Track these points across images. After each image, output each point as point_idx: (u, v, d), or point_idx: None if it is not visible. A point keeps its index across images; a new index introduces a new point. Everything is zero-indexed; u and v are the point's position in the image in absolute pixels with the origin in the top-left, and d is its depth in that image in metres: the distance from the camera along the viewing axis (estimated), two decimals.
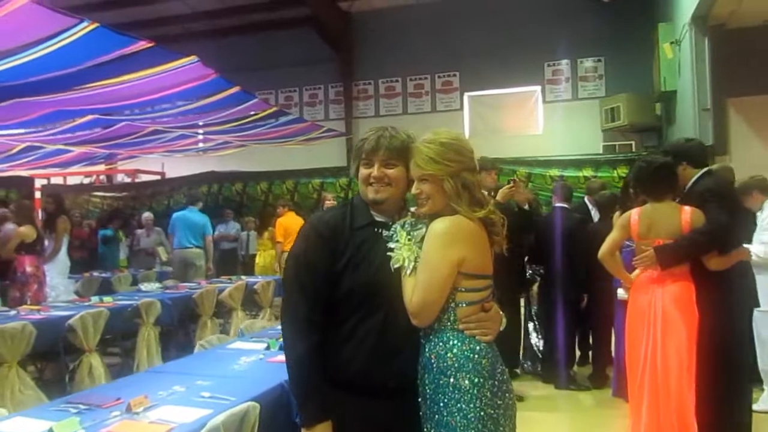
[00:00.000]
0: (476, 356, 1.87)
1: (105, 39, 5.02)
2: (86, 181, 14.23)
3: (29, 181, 11.84)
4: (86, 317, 4.79)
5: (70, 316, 4.74)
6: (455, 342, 1.88)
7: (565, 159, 9.86)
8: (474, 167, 1.97)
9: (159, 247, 9.70)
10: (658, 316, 3.38)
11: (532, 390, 5.26)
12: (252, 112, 8.74)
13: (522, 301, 5.74)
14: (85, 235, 10.11)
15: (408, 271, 1.89)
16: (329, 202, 7.84)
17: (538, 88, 12.45)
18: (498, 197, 4.65)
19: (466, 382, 1.85)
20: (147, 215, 10.05)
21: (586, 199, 5.96)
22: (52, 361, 4.94)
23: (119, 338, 5.54)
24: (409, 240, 1.92)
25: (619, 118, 10.91)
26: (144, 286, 6.62)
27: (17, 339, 4.26)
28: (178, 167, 13.47)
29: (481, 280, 1.93)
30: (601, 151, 11.01)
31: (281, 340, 2.46)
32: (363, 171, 2.00)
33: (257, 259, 10.06)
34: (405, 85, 13.25)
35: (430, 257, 1.86)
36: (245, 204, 11.71)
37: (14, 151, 9.38)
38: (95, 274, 8.41)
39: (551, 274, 5.29)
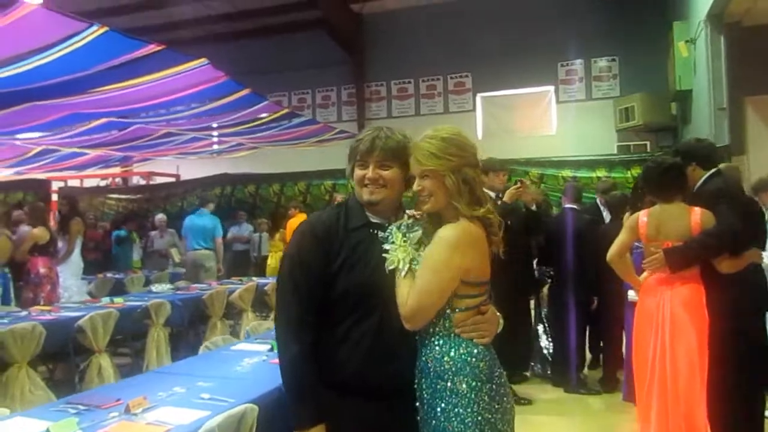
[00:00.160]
0: (474, 360, 1.85)
1: (115, 42, 5.08)
2: (102, 183, 14.38)
3: (46, 183, 12.00)
4: (96, 318, 4.82)
5: (80, 317, 4.77)
6: (452, 346, 1.87)
7: (578, 159, 9.77)
8: (476, 163, 1.94)
9: (172, 249, 9.76)
10: (666, 320, 3.32)
11: (541, 393, 5.20)
12: (264, 114, 8.79)
13: (532, 303, 5.68)
14: (100, 236, 10.20)
15: (402, 273, 1.86)
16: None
17: (552, 88, 12.37)
18: (505, 198, 4.63)
19: (464, 386, 1.83)
20: (160, 217, 10.13)
21: (597, 200, 5.90)
22: (62, 362, 4.98)
23: (129, 339, 5.58)
24: (405, 242, 1.89)
25: (633, 118, 10.80)
26: (155, 287, 6.65)
27: (27, 339, 4.29)
28: (192, 169, 13.58)
29: (480, 287, 1.92)
30: (615, 152, 10.89)
31: None
32: (358, 172, 1.98)
33: (269, 261, 10.10)
34: (417, 86, 13.23)
35: (434, 262, 1.83)
36: (258, 206, 11.75)
37: (30, 154, 9.52)
38: (108, 275, 8.48)
39: (560, 275, 5.23)
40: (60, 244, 6.84)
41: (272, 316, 7.12)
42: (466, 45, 12.41)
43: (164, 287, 6.64)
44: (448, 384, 1.84)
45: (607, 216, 5.66)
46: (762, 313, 4.34)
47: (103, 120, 7.71)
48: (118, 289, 7.76)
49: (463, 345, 1.87)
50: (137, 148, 10.13)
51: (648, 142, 10.93)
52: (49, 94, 5.94)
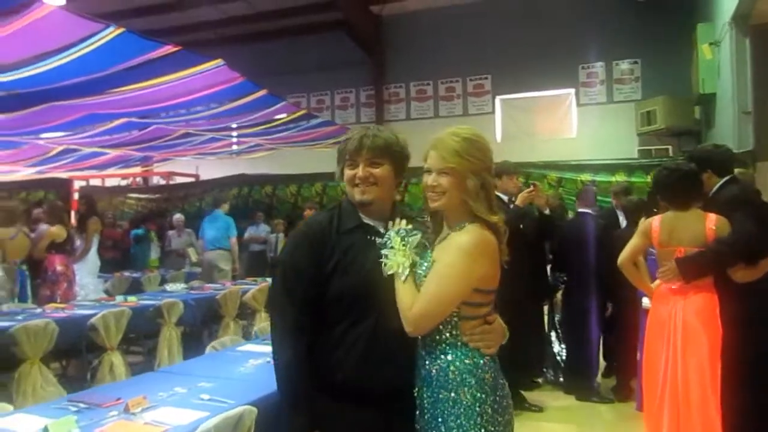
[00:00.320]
0: (479, 371, 1.82)
1: (131, 43, 5.13)
2: (123, 183, 14.57)
3: (67, 182, 12.18)
4: (108, 316, 4.87)
5: (93, 315, 4.82)
6: (458, 355, 1.83)
7: (597, 163, 9.63)
8: (492, 168, 1.92)
9: (189, 249, 9.84)
10: (678, 329, 3.25)
11: (552, 400, 5.12)
12: (282, 115, 8.83)
13: (545, 309, 5.61)
14: (118, 235, 10.31)
15: (403, 278, 1.83)
16: None
17: (572, 90, 12.22)
18: (518, 201, 4.59)
19: (468, 397, 1.79)
20: (178, 217, 10.22)
21: (613, 204, 5.80)
22: (75, 359, 5.04)
23: (142, 337, 5.62)
24: (404, 246, 1.86)
25: (655, 121, 10.62)
26: (169, 287, 6.70)
27: (40, 336, 4.34)
28: (211, 170, 13.69)
29: (489, 295, 1.88)
30: (636, 156, 10.73)
31: None
32: (348, 172, 1.96)
33: None
34: (436, 88, 13.17)
35: (449, 269, 1.78)
36: (275, 206, 11.79)
37: (52, 153, 9.66)
38: (126, 273, 8.57)
39: (573, 281, 5.16)
40: (78, 242, 6.93)
41: None
42: (485, 47, 12.33)
43: (178, 287, 6.69)
44: (452, 395, 1.80)
45: (623, 221, 5.56)
46: None
47: (122, 120, 7.79)
48: (135, 288, 7.84)
49: (470, 355, 1.83)
50: (156, 148, 10.23)
51: (670, 147, 10.74)
52: (67, 94, 6.02)
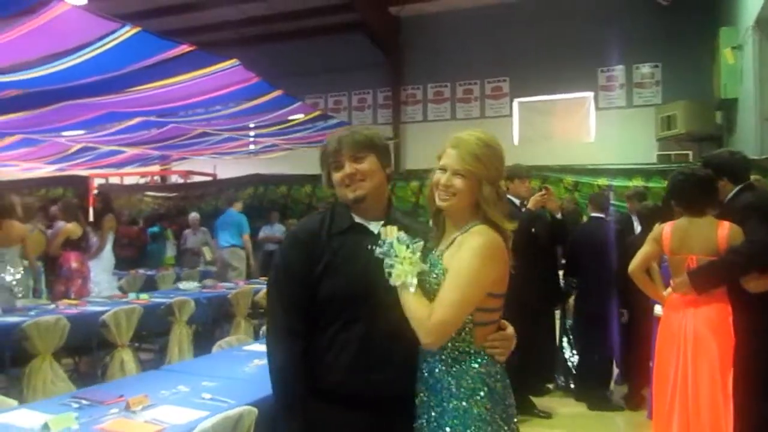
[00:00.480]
0: (491, 380, 1.78)
1: (147, 43, 5.17)
2: (142, 181, 14.71)
3: (85, 180, 12.33)
4: (119, 313, 4.91)
5: (104, 312, 4.86)
6: (471, 364, 1.78)
7: (614, 168, 9.51)
8: (503, 177, 1.90)
9: (204, 247, 9.90)
10: (689, 339, 3.18)
11: (562, 407, 5.05)
12: (298, 116, 8.86)
13: (558, 314, 5.55)
14: (134, 233, 10.40)
15: (412, 289, 1.75)
16: None
17: (591, 94, 12.10)
18: (530, 205, 4.55)
19: (479, 407, 1.75)
20: (193, 215, 10.28)
21: (627, 209, 5.72)
22: (87, 355, 5.08)
23: (153, 335, 5.65)
24: (411, 254, 1.78)
25: (675, 126, 10.48)
26: (182, 285, 6.73)
27: (51, 332, 4.39)
28: (228, 169, 13.77)
29: (500, 299, 1.84)
30: (655, 161, 10.58)
31: None
32: (336, 175, 1.92)
33: None
34: (454, 90, 13.12)
35: (468, 272, 1.72)
36: (289, 206, 11.81)
37: (71, 151, 9.78)
38: (141, 271, 8.64)
39: (585, 286, 5.09)
40: (94, 239, 7.01)
41: None
42: (504, 49, 12.26)
43: (191, 285, 6.72)
44: (463, 404, 1.75)
45: (638, 226, 5.48)
46: None
47: (139, 119, 7.87)
48: (150, 286, 7.91)
49: (483, 363, 1.79)
50: (173, 147, 10.32)
51: (690, 152, 10.57)
52: (84, 93, 6.09)
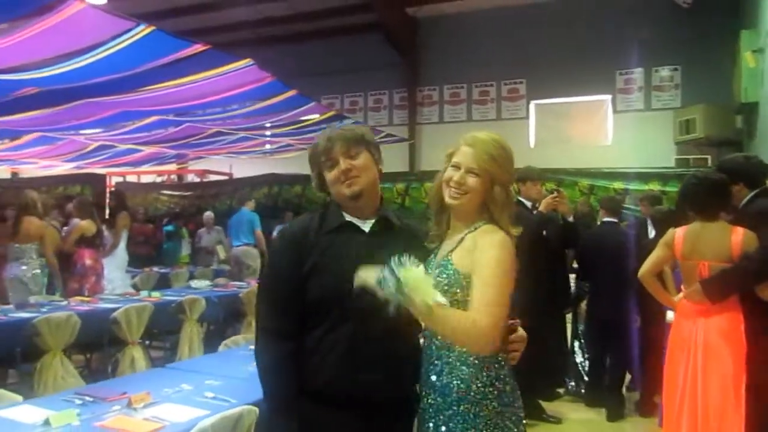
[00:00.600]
0: (501, 384, 1.76)
1: (161, 42, 5.20)
2: (159, 180, 14.84)
3: (102, 178, 12.46)
4: (130, 311, 4.94)
5: (115, 309, 4.90)
6: (482, 367, 1.75)
7: (631, 171, 9.39)
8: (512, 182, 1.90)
9: (218, 246, 9.96)
10: (699, 345, 3.13)
11: (573, 412, 4.99)
12: (312, 116, 8.87)
13: (569, 318, 5.48)
14: (150, 231, 10.49)
15: (444, 301, 1.63)
16: None
17: (609, 97, 11.97)
18: (541, 207, 4.50)
19: (489, 410, 1.73)
20: (208, 214, 10.35)
21: (642, 213, 5.64)
22: (98, 352, 5.12)
23: (164, 333, 5.68)
24: (428, 274, 1.72)
25: (694, 130, 10.32)
26: (194, 283, 6.76)
27: (62, 328, 4.44)
28: (244, 168, 13.84)
29: (511, 299, 1.79)
30: (673, 165, 10.44)
31: None
32: (330, 174, 1.88)
33: None
34: (470, 91, 13.05)
35: (499, 267, 1.69)
36: (304, 206, 11.83)
37: (88, 149, 9.89)
38: (155, 269, 8.70)
39: (596, 291, 5.03)
40: (108, 236, 7.07)
41: None
42: (521, 51, 12.15)
43: (203, 283, 6.75)
44: (474, 408, 1.73)
45: (652, 230, 5.40)
46: None
47: (155, 118, 7.93)
48: (163, 284, 7.95)
49: (495, 366, 1.76)
50: (189, 146, 10.39)
51: (709, 156, 10.41)
52: (99, 91, 6.14)
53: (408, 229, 1.97)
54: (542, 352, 3.76)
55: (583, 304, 5.36)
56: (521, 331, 1.85)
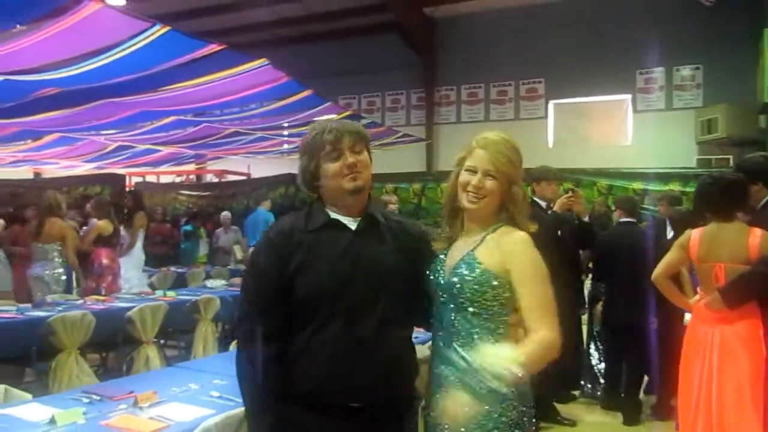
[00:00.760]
0: (520, 383, 1.71)
1: (177, 42, 5.22)
2: (178, 180, 14.96)
3: (121, 178, 12.60)
4: (145, 310, 4.97)
5: (130, 308, 4.94)
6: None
7: (650, 172, 9.25)
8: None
9: (235, 246, 10.00)
10: (715, 348, 3.06)
11: (588, 415, 4.92)
12: (332, 116, 8.87)
13: (584, 319, 5.41)
14: (167, 231, 10.57)
15: (524, 358, 1.57)
16: (392, 205, 7.75)
17: (629, 96, 11.80)
18: (555, 207, 4.45)
19: (512, 411, 1.71)
20: (225, 214, 10.41)
21: (660, 213, 5.54)
22: (113, 350, 5.16)
23: (179, 332, 5.72)
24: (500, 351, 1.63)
25: (716, 130, 10.13)
26: (209, 283, 6.80)
27: (77, 327, 4.47)
28: (262, 169, 13.90)
29: None
30: (694, 165, 10.27)
31: None
32: (333, 165, 1.81)
33: None
34: (488, 91, 12.97)
35: (538, 268, 1.74)
36: None
37: (108, 149, 10.00)
38: (172, 269, 8.76)
39: (611, 292, 4.95)
40: (125, 235, 7.14)
41: None
42: (539, 50, 12.04)
43: (218, 283, 6.78)
44: (495, 408, 1.70)
45: (671, 231, 5.30)
46: None
47: (172, 118, 7.99)
48: (180, 283, 8.00)
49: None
50: (207, 146, 10.46)
51: (731, 157, 10.19)
52: (115, 92, 6.20)
53: (399, 227, 1.93)
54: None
55: (600, 306, 5.27)
56: None
